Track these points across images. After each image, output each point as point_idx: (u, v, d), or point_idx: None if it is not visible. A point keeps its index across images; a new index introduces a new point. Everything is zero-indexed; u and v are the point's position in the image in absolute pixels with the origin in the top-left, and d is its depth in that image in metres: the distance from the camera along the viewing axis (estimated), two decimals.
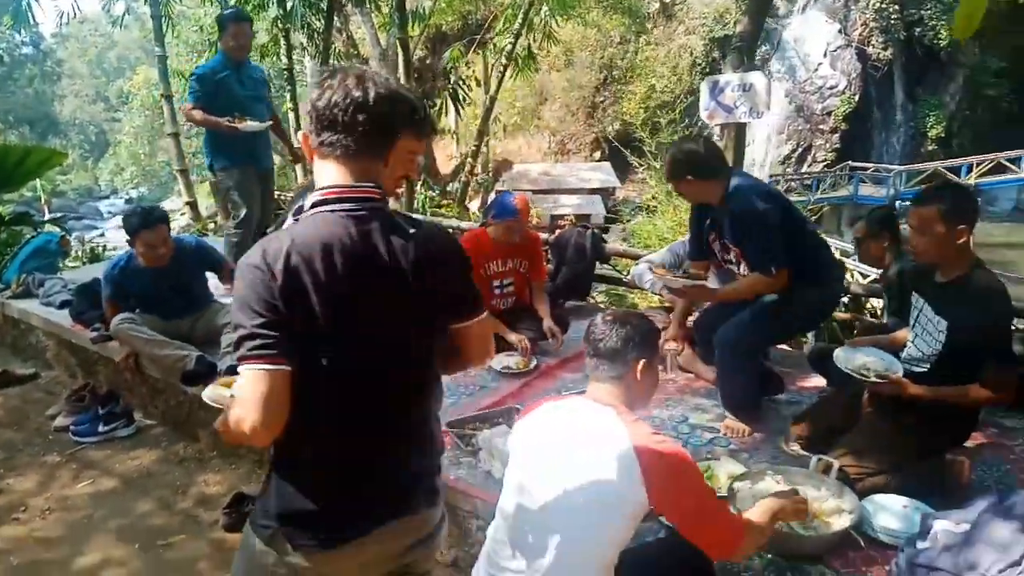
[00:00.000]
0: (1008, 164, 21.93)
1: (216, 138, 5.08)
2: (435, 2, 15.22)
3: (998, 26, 24.13)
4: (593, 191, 22.07)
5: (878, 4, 22.41)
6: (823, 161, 23.36)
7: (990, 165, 21.92)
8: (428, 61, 15.95)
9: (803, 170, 23.42)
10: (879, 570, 2.43)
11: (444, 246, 1.61)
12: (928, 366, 2.84)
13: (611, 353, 2.02)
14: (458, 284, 1.63)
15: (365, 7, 12.21)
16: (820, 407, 3.25)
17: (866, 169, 22.49)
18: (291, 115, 10.00)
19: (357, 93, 1.43)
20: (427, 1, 14.54)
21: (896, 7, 22.37)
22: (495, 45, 13.14)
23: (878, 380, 2.89)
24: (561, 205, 20.28)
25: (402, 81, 9.90)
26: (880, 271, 4.26)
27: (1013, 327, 3.51)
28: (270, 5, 8.99)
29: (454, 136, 15.90)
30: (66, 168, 33.86)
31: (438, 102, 16.18)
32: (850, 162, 22.67)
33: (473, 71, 15.64)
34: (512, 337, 4.00)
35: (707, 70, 24.32)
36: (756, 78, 5.32)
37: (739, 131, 5.68)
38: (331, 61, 11.29)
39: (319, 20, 8.37)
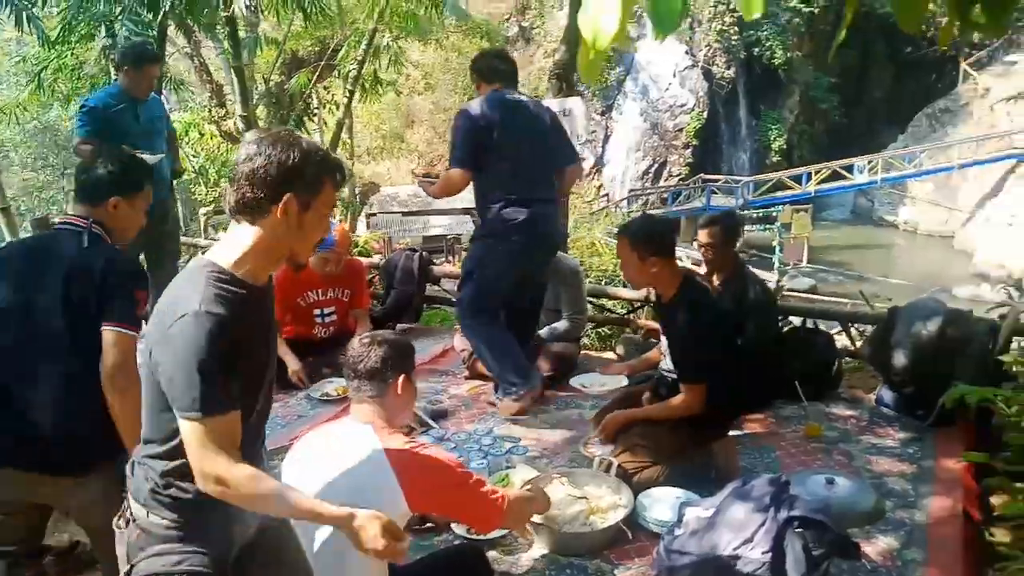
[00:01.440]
0: (843, 172, 23.73)
1: None
2: (289, 27, 15.04)
3: (828, 46, 26.29)
4: (465, 211, 22.26)
5: (720, 27, 23.86)
6: (678, 175, 24.52)
7: (827, 173, 23.64)
8: (286, 87, 15.69)
9: (660, 184, 24.49)
10: (650, 558, 2.67)
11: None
12: (674, 376, 3.20)
13: (371, 373, 2.11)
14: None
15: (215, 32, 11.98)
16: (608, 408, 3.50)
17: (717, 181, 23.79)
18: (125, 148, 9.62)
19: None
20: (283, 26, 14.37)
21: (736, 28, 23.87)
22: (339, 71, 13.11)
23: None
24: (431, 226, 20.36)
25: (239, 111, 9.83)
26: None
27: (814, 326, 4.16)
28: (97, 35, 8.67)
29: None
30: None
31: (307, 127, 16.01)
32: (702, 175, 23.91)
33: (332, 96, 15.55)
34: (292, 365, 4.02)
35: (566, 91, 25.12)
36: (575, 103, 5.62)
37: None
38: (168, 89, 10.99)
39: (152, 47, 8.15)
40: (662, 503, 2.91)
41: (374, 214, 21.28)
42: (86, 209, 2.35)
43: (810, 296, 17.75)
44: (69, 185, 21.02)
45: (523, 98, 3.82)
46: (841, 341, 4.69)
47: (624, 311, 5.97)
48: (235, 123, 15.36)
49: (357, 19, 11.65)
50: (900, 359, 3.73)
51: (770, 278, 17.70)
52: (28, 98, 10.90)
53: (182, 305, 1.52)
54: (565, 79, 5.73)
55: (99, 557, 2.32)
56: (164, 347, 1.53)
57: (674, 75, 24.09)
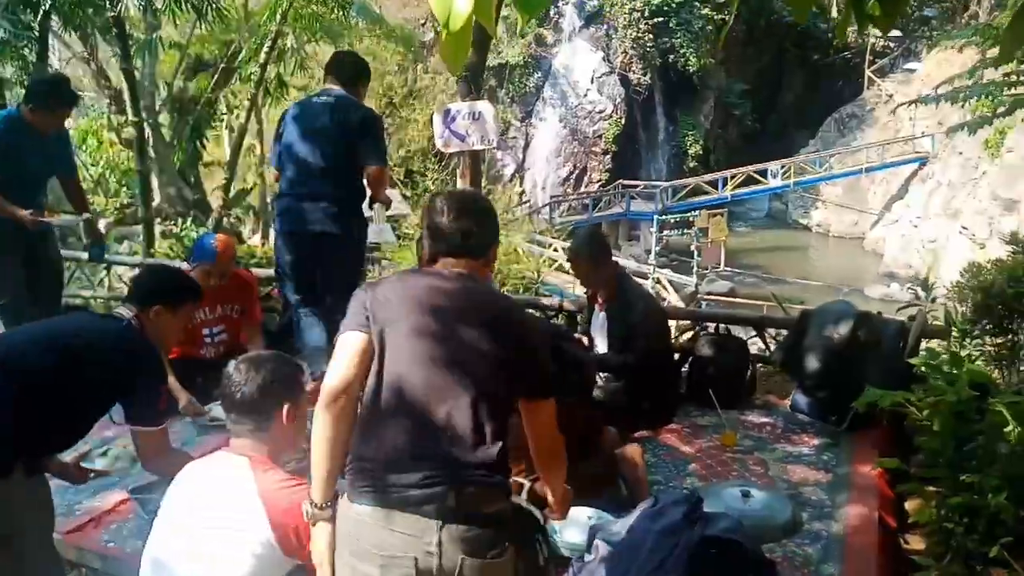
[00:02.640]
0: (757, 176, 24.34)
1: None
2: (192, 30, 14.45)
3: (741, 52, 26.99)
4: (389, 218, 21.88)
5: (635, 34, 24.14)
6: (598, 181, 24.71)
7: (743, 178, 24.21)
8: (189, 92, 15.07)
9: (581, 190, 24.63)
10: None
11: None
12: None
13: (249, 405, 1.91)
14: None
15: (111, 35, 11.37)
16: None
17: (636, 187, 24.04)
18: None
19: None
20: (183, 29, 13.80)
21: (651, 36, 24.19)
22: (240, 74, 12.65)
23: None
24: None
25: (130, 116, 9.30)
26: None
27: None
28: None
29: (226, 167, 15.09)
30: None
31: (205, 133, 15.39)
32: (622, 180, 24.14)
33: (239, 100, 15.01)
34: (182, 400, 3.55)
35: (486, 97, 25.03)
36: (484, 107, 5.41)
37: (474, 159, 5.73)
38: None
39: (30, 51, 7.58)
40: (573, 526, 2.74)
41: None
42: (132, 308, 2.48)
43: (729, 299, 18.13)
44: None
45: (327, 98, 3.89)
46: (757, 346, 4.66)
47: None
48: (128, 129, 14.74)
49: (260, 21, 11.21)
50: (812, 363, 3.69)
51: (689, 281, 18.01)
52: None
53: None
54: (473, 82, 5.54)
55: None
56: None
57: (592, 81, 24.28)
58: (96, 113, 15.95)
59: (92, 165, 14.79)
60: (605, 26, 24.49)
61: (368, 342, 1.77)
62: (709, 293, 18.85)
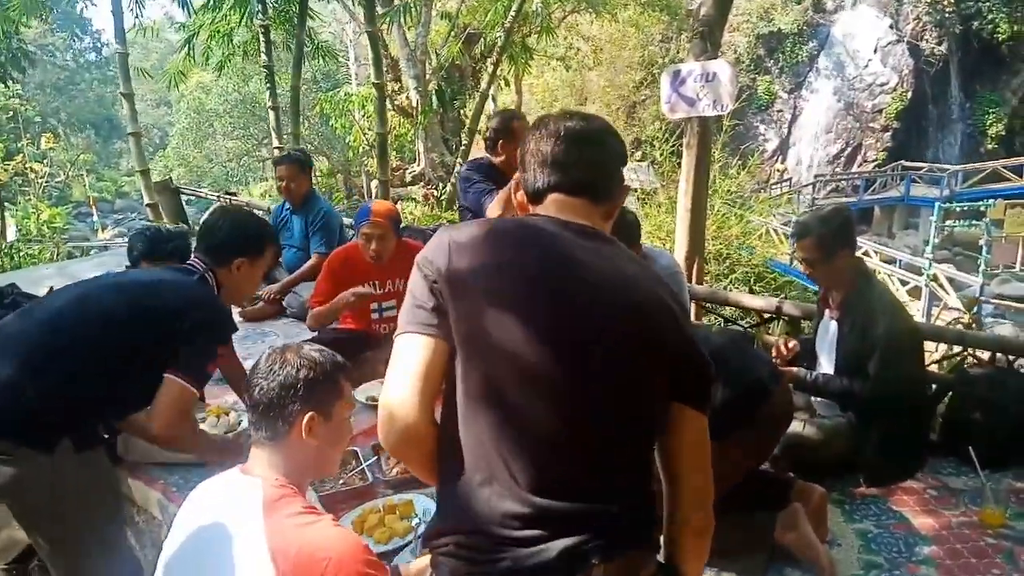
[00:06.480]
0: None
1: None
2: (461, 2, 15.07)
3: None
4: (632, 193, 21.70)
5: None
6: (874, 161, 22.48)
7: None
8: (458, 62, 15.74)
9: (852, 170, 22.55)
10: None
11: None
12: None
13: (267, 407, 1.54)
14: None
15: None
16: None
17: (919, 168, 21.49)
18: (271, 113, 9.87)
19: None
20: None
21: (951, 0, 21.36)
22: (485, 40, 12.80)
23: None
24: None
25: (372, 78, 9.77)
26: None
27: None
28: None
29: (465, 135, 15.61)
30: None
31: (468, 102, 16.02)
32: (902, 161, 21.72)
33: (501, 72, 15.41)
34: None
35: (752, 68, 23.68)
36: (719, 67, 4.87)
37: (703, 128, 5.12)
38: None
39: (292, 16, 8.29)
40: None
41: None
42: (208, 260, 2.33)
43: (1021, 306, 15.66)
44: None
45: None
46: None
47: (748, 324, 4.85)
48: (406, 97, 15.70)
49: None
50: None
51: (974, 281, 15.74)
52: (183, 64, 11.46)
53: None
54: (710, 39, 4.99)
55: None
56: None
57: (875, 51, 22.01)
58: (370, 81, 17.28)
59: (369, 130, 16.01)
60: None
61: (440, 349, 1.24)
62: (999, 295, 16.39)
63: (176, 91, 16.42)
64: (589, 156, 1.36)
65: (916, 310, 13.90)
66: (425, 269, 1.27)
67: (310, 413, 1.53)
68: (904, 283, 15.01)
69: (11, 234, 15.00)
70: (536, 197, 1.38)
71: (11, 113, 26.43)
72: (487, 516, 1.20)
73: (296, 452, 1.55)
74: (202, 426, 2.58)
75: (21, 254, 9.47)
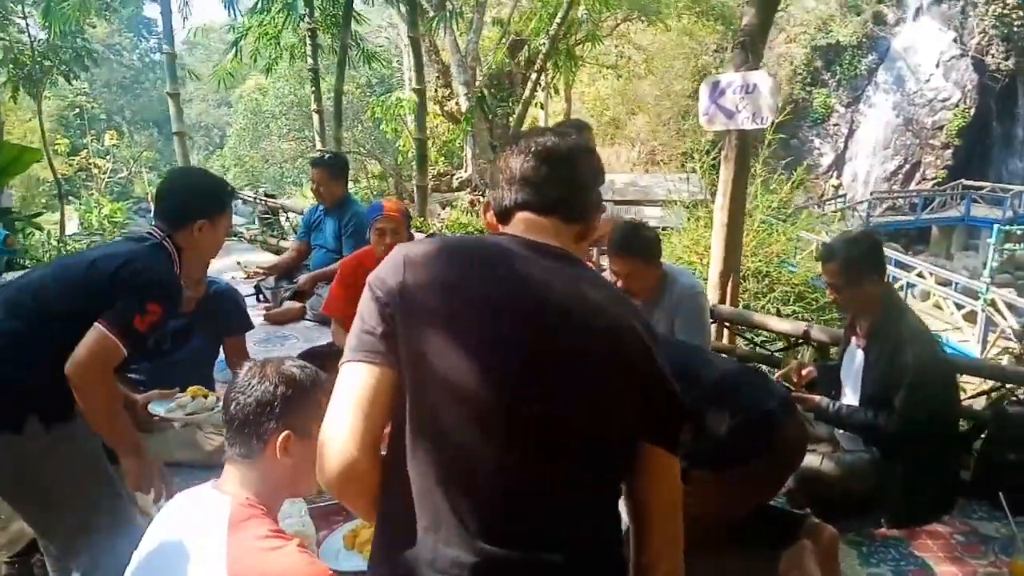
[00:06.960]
0: None
1: None
2: (513, 9, 15.07)
3: None
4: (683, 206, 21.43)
5: (1000, 10, 20.70)
6: (933, 179, 21.81)
7: None
8: (507, 68, 15.76)
9: (911, 188, 21.91)
10: None
11: None
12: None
13: (242, 423, 1.49)
14: None
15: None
16: None
17: (981, 188, 20.75)
18: (315, 116, 9.98)
19: None
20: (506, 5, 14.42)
21: (1021, 13, 20.60)
22: (529, 47, 12.76)
23: None
24: (645, 217, 19.76)
25: (413, 83, 9.77)
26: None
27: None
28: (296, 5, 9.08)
29: None
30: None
31: (515, 109, 16.02)
32: (963, 180, 21.01)
33: (550, 79, 15.38)
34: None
35: (808, 80, 23.20)
36: (760, 78, 4.68)
37: (742, 141, 4.97)
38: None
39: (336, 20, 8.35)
40: None
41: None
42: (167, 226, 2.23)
43: None
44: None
45: None
46: None
47: (775, 349, 4.66)
48: (456, 103, 15.75)
49: None
50: None
51: None
52: (232, 65, 11.67)
53: None
54: (751, 49, 4.81)
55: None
56: None
57: (937, 65, 21.37)
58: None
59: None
60: (961, 2, 21.29)
61: (388, 379, 1.14)
62: None
63: (234, 92, 16.82)
64: (560, 174, 1.28)
65: (971, 335, 13.39)
66: (377, 290, 1.17)
67: (286, 432, 1.48)
68: (960, 307, 14.49)
69: (73, 227, 15.55)
70: (504, 216, 1.31)
71: (77, 110, 27.38)
72: (430, 565, 1.08)
73: (270, 471, 1.49)
74: (177, 401, 2.53)
75: (70, 247, 9.72)
